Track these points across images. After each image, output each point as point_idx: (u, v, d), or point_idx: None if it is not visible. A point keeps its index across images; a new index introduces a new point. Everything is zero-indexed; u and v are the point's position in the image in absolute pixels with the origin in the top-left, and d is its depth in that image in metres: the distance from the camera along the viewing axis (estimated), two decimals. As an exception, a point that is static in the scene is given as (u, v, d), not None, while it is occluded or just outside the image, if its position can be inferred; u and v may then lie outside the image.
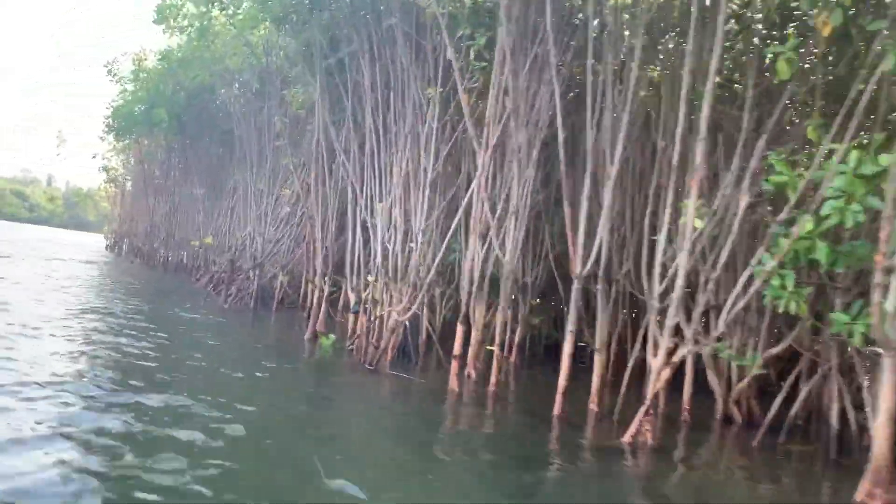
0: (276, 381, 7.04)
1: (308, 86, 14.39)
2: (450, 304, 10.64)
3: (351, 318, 9.98)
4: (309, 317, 13.62)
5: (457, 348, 7.26)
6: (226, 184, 22.28)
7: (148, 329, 9.15)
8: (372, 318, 9.61)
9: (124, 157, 37.20)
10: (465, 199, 7.85)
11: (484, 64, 8.62)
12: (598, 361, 6.95)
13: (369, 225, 10.15)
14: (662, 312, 6.87)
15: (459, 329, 7.26)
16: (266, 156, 15.22)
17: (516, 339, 10.11)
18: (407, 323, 8.73)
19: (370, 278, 9.67)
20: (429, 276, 8.06)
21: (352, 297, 10.08)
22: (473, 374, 8.16)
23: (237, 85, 17.17)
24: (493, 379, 7.31)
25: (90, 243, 46.37)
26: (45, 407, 4.65)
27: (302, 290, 14.90)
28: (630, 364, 6.88)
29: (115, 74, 22.93)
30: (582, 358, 10.64)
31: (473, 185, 7.59)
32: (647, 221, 7.18)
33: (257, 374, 7.23)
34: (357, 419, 5.88)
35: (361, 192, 10.64)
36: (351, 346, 9.50)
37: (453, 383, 7.18)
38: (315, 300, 10.49)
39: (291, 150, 14.84)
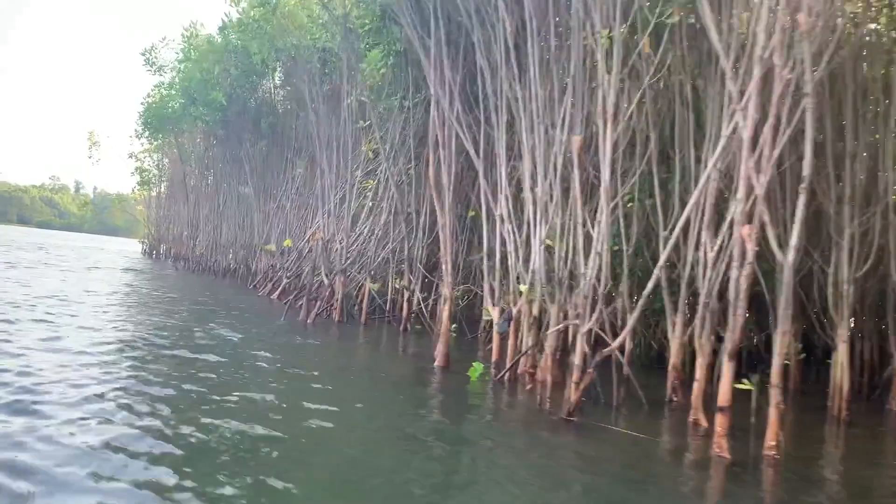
0: (453, 458, 4.74)
1: (387, 57, 12.20)
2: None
3: (495, 339, 7.66)
4: (406, 329, 11.42)
5: (725, 395, 4.89)
6: (279, 179, 20.23)
7: (252, 366, 6.98)
8: (528, 342, 7.33)
9: (158, 158, 35.50)
10: (707, 172, 5.47)
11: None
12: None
13: (505, 219, 7.85)
14: None
15: (727, 368, 4.90)
16: (345, 143, 12.97)
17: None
18: (587, 351, 6.39)
19: (522, 287, 7.37)
20: (642, 289, 5.74)
21: (494, 314, 7.78)
22: (703, 422, 5.83)
23: (291, 64, 14.91)
24: (770, 436, 4.93)
25: (124, 249, 44.87)
26: None
27: (389, 297, 12.71)
28: None
29: (153, 64, 20.90)
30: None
31: (723, 148, 5.22)
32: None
33: (413, 436, 4.97)
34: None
35: (487, 176, 8.36)
36: (500, 378, 7.21)
37: (720, 446, 4.83)
38: (445, 317, 8.20)
39: (371, 133, 12.61)
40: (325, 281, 12.37)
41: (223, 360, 7.04)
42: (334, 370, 7.64)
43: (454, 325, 11.46)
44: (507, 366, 7.26)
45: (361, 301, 12.39)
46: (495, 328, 7.67)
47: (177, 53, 20.29)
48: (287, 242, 11.76)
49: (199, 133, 26.86)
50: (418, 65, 11.89)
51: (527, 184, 7.56)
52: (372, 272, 12.07)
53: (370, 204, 12.50)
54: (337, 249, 12.19)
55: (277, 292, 15.66)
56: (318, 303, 11.56)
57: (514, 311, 7.44)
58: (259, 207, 19.82)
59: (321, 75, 14.49)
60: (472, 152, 8.54)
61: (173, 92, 22.41)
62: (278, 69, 19.30)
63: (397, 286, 12.52)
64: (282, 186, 19.31)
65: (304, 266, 15.52)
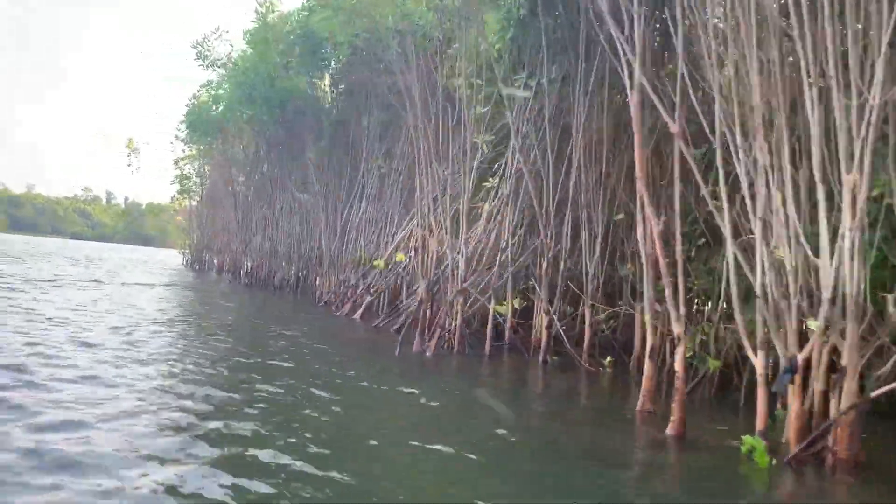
0: None
1: (506, 29, 10.04)
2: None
3: (760, 399, 5.27)
4: (546, 361, 9.10)
5: None
6: (343, 182, 18.16)
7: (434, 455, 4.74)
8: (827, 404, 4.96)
9: (200, 164, 33.90)
10: None
11: None
12: None
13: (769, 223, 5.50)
14: None
15: None
16: (456, 134, 10.71)
17: None
18: None
19: (813, 323, 5.01)
20: None
21: (756, 361, 5.38)
22: None
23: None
24: None
25: (164, 260, 43.30)
26: None
27: (507, 318, 10.39)
28: None
29: (205, 58, 18.96)
30: None
31: None
32: None
33: None
34: None
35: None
36: (790, 460, 4.84)
37: None
38: (678, 365, 5.84)
39: (486, 122, 10.36)
40: (423, 298, 10.14)
41: (373, 424, 4.82)
42: (527, 438, 5.35)
43: (609, 359, 9.15)
44: (802, 441, 4.89)
45: (463, 326, 10.09)
46: (775, 383, 5.27)
47: (230, 46, 18.41)
48: (400, 257, 9.53)
49: (250, 135, 25.12)
50: (553, 35, 9.67)
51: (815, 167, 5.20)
52: (495, 291, 9.79)
53: (489, 207, 10.22)
54: (451, 263, 9.92)
55: (360, 313, 13.48)
56: (439, 330, 9.30)
57: (801, 358, 5.07)
58: (326, 214, 17.73)
59: (410, 58, 12.31)
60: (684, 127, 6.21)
61: (221, 92, 20.61)
62: (335, 60, 17.30)
63: (516, 307, 10.22)
64: (352, 190, 17.20)
65: (391, 280, 13.36)
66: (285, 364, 7.33)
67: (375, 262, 10.11)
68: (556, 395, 7.50)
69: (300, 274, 20.57)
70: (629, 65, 6.51)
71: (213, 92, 20.97)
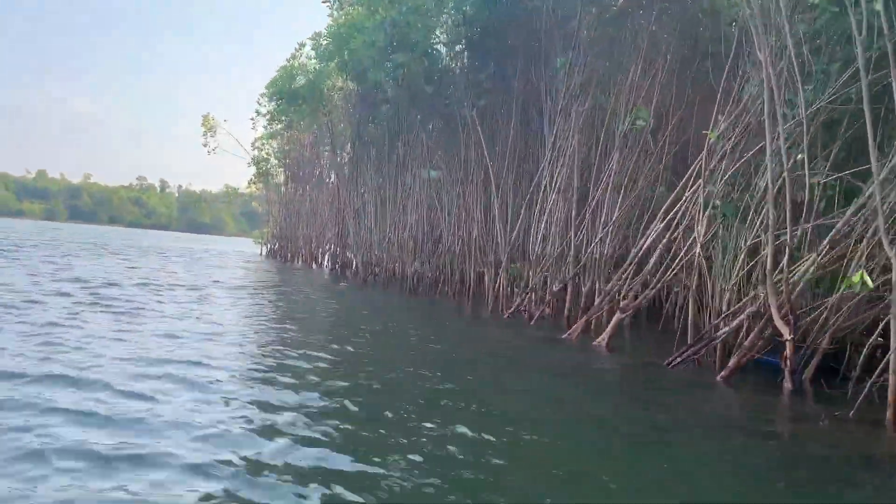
0: None
1: None
2: None
3: None
4: None
5: None
6: (515, 150, 13.68)
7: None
8: None
9: (280, 143, 29.93)
10: None
11: None
12: None
13: None
14: None
15: None
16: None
17: None
18: None
19: None
20: None
21: None
22: None
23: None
24: None
25: (241, 251, 39.47)
26: None
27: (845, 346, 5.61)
28: None
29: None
30: None
31: None
32: None
33: None
34: None
35: None
36: None
37: None
38: None
39: None
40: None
41: None
42: None
43: None
44: None
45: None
46: None
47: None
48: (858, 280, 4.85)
49: (344, 106, 20.97)
50: None
51: None
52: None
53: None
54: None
55: (606, 339, 8.89)
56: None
57: None
58: (502, 195, 13.20)
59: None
60: None
61: (326, 41, 16.40)
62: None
63: None
64: (538, 161, 12.66)
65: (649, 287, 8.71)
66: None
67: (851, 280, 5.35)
68: None
69: (439, 272, 16.20)
70: None
71: (323, 43, 16.75)
